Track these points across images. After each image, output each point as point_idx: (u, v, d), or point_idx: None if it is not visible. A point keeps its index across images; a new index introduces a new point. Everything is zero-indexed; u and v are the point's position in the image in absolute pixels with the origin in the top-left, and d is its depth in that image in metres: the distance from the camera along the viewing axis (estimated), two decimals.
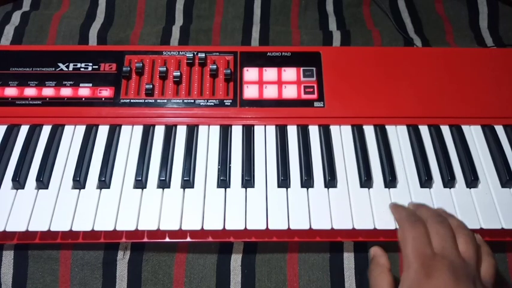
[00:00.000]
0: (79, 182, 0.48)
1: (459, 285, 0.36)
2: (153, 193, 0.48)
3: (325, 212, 0.47)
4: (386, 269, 0.42)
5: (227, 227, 0.46)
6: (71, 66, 0.56)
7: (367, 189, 0.49)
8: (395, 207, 0.47)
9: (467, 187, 0.50)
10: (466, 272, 0.38)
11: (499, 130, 0.54)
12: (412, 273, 0.38)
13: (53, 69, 0.55)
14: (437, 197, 0.49)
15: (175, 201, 0.48)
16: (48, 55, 0.56)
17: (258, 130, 0.54)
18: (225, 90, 0.55)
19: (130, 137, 0.53)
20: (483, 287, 0.38)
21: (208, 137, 0.53)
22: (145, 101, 0.54)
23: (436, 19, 0.73)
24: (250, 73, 0.56)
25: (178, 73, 0.55)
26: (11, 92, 0.54)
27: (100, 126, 0.53)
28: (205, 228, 0.46)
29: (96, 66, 0.56)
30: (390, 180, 0.50)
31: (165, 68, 0.55)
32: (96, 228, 0.46)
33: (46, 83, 0.54)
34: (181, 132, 0.53)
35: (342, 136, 0.53)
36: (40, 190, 0.48)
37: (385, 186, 0.50)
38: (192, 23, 0.72)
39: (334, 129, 0.54)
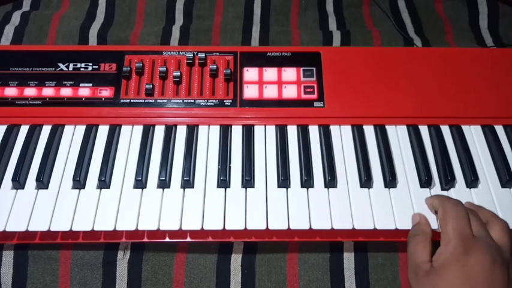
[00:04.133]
0: (79, 182, 0.48)
1: (495, 266, 0.38)
2: (153, 193, 0.48)
3: (325, 212, 0.47)
4: (429, 237, 0.43)
5: (227, 227, 0.46)
6: (71, 66, 0.56)
7: (367, 189, 0.49)
8: (434, 196, 0.48)
9: (467, 187, 0.50)
10: (502, 257, 0.40)
11: (499, 130, 0.54)
12: (451, 248, 0.40)
13: (53, 69, 0.55)
14: None
15: (175, 201, 0.48)
16: (48, 55, 0.56)
17: (258, 130, 0.54)
18: (225, 90, 0.55)
19: (130, 137, 0.53)
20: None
21: (208, 137, 0.53)
22: (145, 101, 0.54)
23: (436, 19, 0.73)
24: (250, 73, 0.56)
25: (178, 73, 0.55)
26: (11, 92, 0.54)
27: (100, 126, 0.53)
28: (205, 228, 0.46)
29: (96, 66, 0.56)
30: (390, 180, 0.49)
31: (165, 68, 0.55)
32: (96, 228, 0.46)
33: (46, 83, 0.54)
34: (181, 132, 0.53)
35: (342, 136, 0.53)
36: (40, 190, 0.48)
37: (385, 186, 0.50)
38: (192, 23, 0.72)
39: (334, 129, 0.54)
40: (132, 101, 0.54)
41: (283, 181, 0.49)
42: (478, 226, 0.42)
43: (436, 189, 0.50)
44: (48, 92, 0.54)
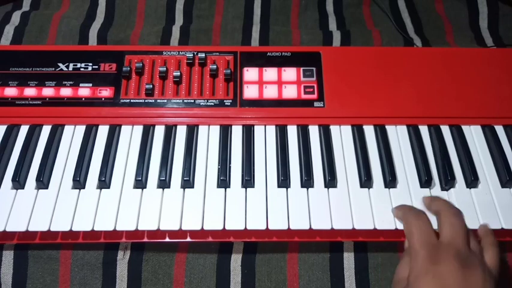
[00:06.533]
0: (79, 182, 0.48)
1: (465, 272, 0.38)
2: (153, 193, 0.48)
3: (325, 212, 0.47)
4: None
5: (227, 227, 0.46)
6: (71, 66, 0.56)
7: (367, 189, 0.49)
8: (398, 207, 0.47)
9: (467, 187, 0.50)
10: (473, 261, 0.39)
11: (499, 130, 0.54)
12: (419, 261, 0.40)
13: (53, 69, 0.55)
14: None
15: (175, 201, 0.48)
16: (48, 55, 0.56)
17: (258, 130, 0.54)
18: (225, 90, 0.55)
19: (130, 137, 0.53)
20: (491, 274, 0.40)
21: (208, 137, 0.53)
22: (145, 101, 0.54)
23: (436, 19, 0.73)
24: (250, 73, 0.56)
25: (178, 73, 0.55)
26: (11, 92, 0.54)
27: (100, 126, 0.53)
28: (205, 228, 0.46)
29: (96, 66, 0.56)
30: (390, 180, 0.49)
31: (165, 68, 0.55)
32: (96, 228, 0.46)
33: (46, 83, 0.54)
34: (181, 132, 0.53)
35: (342, 136, 0.53)
36: (40, 190, 0.48)
37: (385, 186, 0.50)
38: (192, 23, 0.72)
39: (334, 129, 0.54)
40: (132, 101, 0.54)
41: (283, 181, 0.49)
42: (454, 231, 0.41)
43: (436, 189, 0.50)
44: (48, 92, 0.54)
